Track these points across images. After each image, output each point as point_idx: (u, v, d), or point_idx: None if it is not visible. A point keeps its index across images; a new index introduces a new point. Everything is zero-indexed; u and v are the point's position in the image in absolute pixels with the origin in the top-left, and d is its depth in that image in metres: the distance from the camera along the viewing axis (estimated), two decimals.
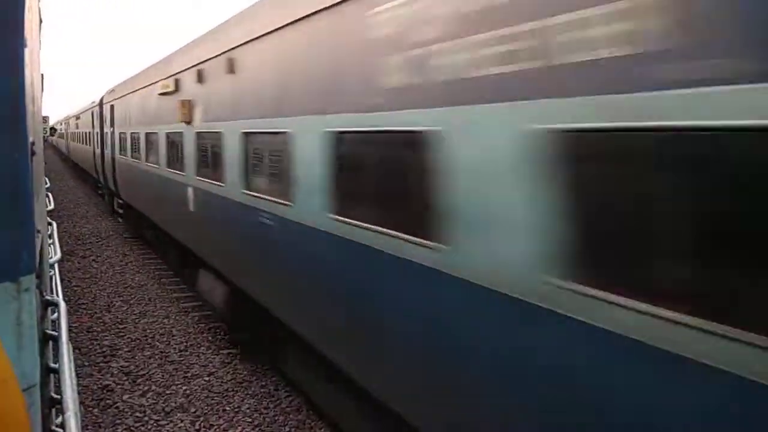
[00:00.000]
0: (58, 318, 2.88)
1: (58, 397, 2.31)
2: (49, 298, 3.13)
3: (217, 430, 5.68)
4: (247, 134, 5.92)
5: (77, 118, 28.41)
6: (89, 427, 5.67)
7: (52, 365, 2.55)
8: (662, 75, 2.03)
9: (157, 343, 7.93)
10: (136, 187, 12.79)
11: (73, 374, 2.37)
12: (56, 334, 2.73)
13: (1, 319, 1.50)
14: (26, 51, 1.67)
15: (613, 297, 2.23)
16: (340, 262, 4.25)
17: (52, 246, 4.98)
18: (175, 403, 6.22)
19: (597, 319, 2.30)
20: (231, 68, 6.36)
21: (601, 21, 2.23)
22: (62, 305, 3.00)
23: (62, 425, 2.07)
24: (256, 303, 6.03)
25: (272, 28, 5.32)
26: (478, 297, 2.89)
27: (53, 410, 2.52)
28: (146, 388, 6.59)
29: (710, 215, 1.97)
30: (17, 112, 1.53)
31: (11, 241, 1.54)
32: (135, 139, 12.27)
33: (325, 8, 4.34)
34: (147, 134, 11.04)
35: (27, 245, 1.58)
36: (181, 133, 8.40)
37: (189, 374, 6.93)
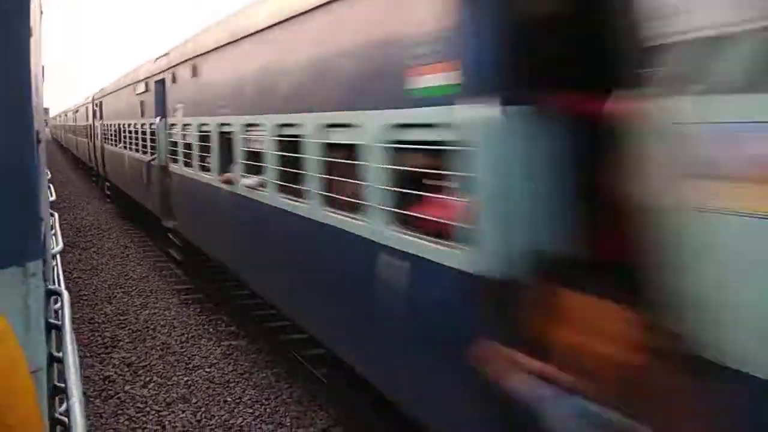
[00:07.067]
0: (62, 307, 2.90)
1: (62, 385, 2.33)
2: (51, 287, 3.15)
3: (218, 420, 5.73)
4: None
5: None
6: (91, 418, 5.71)
7: (56, 354, 2.57)
8: None
9: (159, 335, 7.97)
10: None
11: (77, 362, 2.39)
12: (59, 323, 2.75)
13: (9, 303, 1.52)
14: (31, 41, 1.69)
15: None
16: None
17: (54, 237, 5.00)
18: (177, 394, 6.26)
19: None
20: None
21: None
22: (65, 294, 3.02)
23: (66, 413, 2.09)
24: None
25: None
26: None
27: (57, 399, 2.54)
28: (148, 379, 6.63)
29: None
30: (23, 101, 1.55)
31: (18, 227, 1.57)
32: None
33: None
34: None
35: (33, 231, 1.61)
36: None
37: (190, 365, 6.97)
